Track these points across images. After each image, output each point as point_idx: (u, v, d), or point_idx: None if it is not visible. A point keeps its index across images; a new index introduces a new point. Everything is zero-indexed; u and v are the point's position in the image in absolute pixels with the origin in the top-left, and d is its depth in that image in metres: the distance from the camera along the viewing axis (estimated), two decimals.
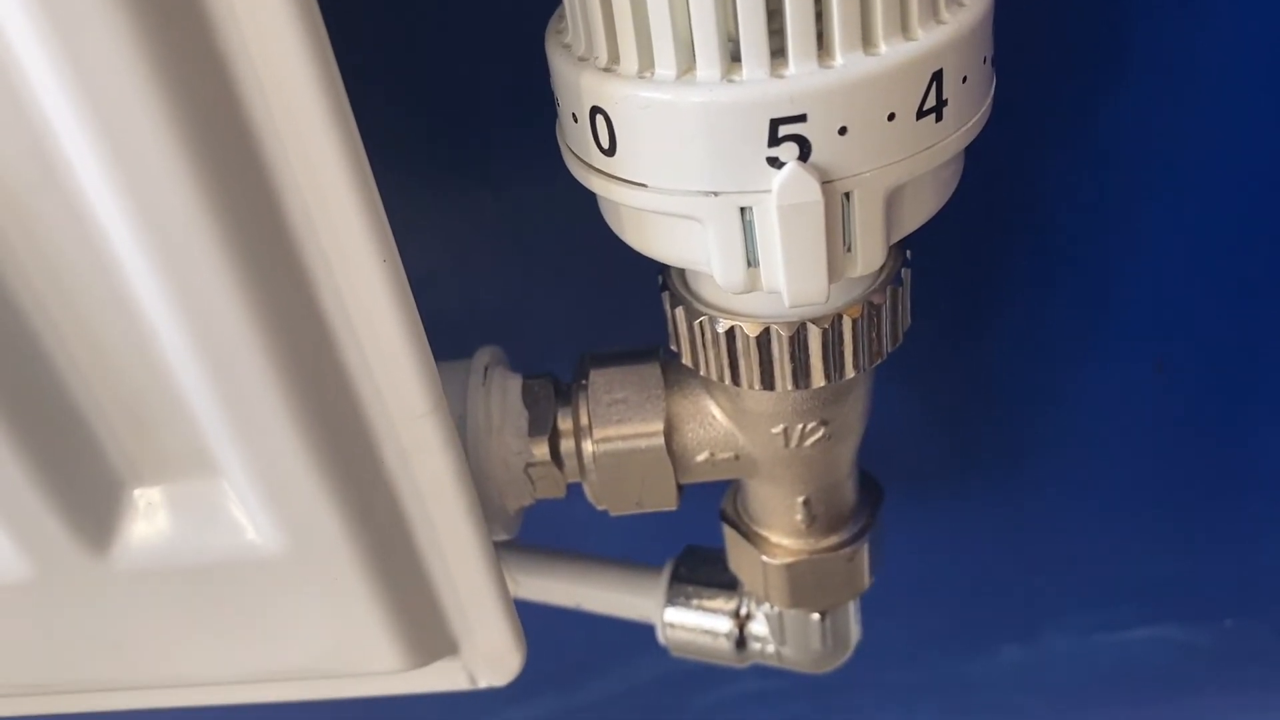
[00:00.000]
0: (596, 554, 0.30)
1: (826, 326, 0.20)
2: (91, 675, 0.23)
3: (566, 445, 0.24)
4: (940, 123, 0.17)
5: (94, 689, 0.24)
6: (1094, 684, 0.44)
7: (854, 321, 0.20)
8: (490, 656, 0.23)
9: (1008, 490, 0.38)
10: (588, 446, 0.23)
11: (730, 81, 0.16)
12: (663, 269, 0.22)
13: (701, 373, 0.22)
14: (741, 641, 0.28)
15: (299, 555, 0.20)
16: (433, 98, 0.29)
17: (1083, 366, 0.34)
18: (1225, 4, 0.25)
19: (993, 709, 0.45)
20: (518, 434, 0.24)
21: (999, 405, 0.35)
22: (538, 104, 0.22)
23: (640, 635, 0.30)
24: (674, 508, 0.24)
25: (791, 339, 0.20)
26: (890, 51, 0.16)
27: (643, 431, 0.23)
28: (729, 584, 0.28)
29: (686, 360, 0.22)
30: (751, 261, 0.18)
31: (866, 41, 0.16)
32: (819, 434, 0.22)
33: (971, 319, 0.33)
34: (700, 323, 0.21)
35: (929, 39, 0.16)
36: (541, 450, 0.24)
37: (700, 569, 0.28)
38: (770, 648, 0.28)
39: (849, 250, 0.18)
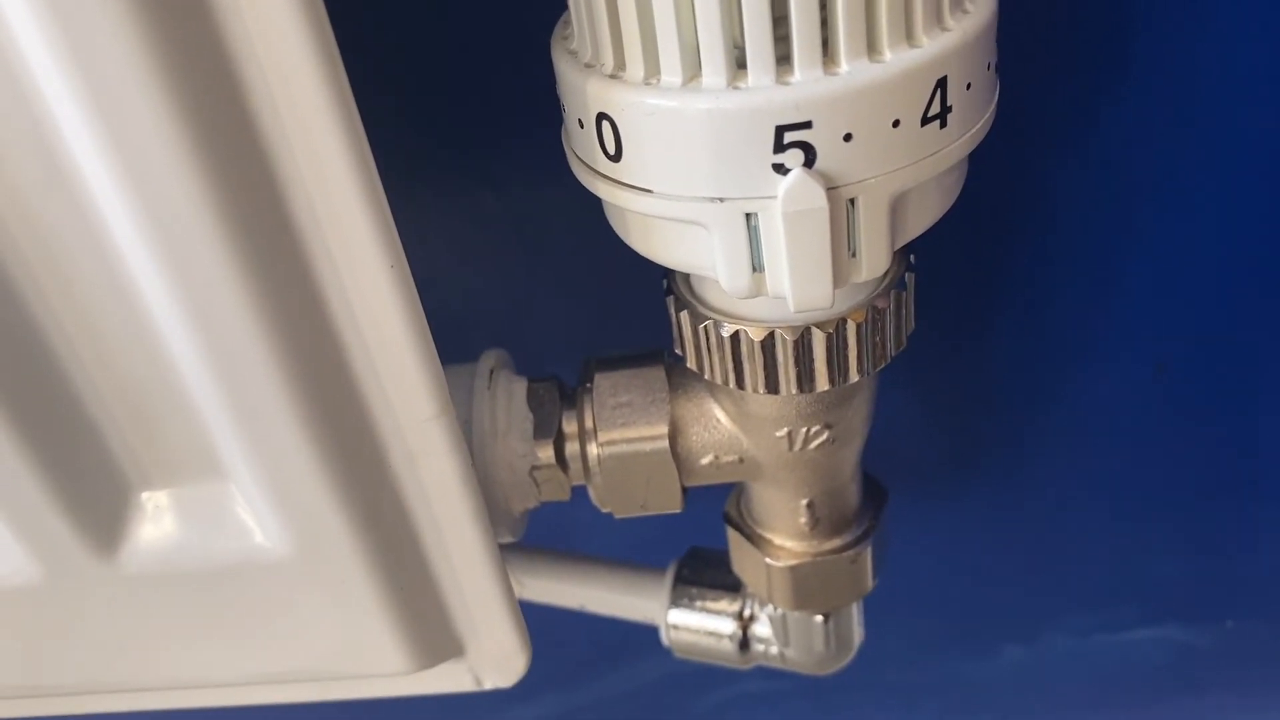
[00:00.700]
0: (600, 556, 0.31)
1: (831, 331, 0.20)
2: (99, 677, 0.23)
3: (571, 448, 0.24)
4: (944, 129, 0.17)
5: (101, 691, 0.24)
6: (1095, 685, 0.44)
7: (858, 325, 0.20)
8: (496, 658, 0.23)
9: (1009, 491, 0.38)
10: (592, 449, 0.24)
11: (736, 89, 0.16)
12: (667, 273, 0.22)
13: (706, 376, 0.22)
14: (745, 643, 0.28)
15: (306, 558, 0.20)
16: (436, 100, 0.29)
17: (1084, 368, 0.34)
18: (1227, 7, 0.26)
19: (994, 710, 0.45)
20: (523, 437, 0.24)
21: (1000, 406, 0.35)
22: (542, 106, 0.22)
23: (643, 636, 0.30)
24: (678, 510, 0.24)
25: (796, 343, 0.20)
26: (895, 59, 0.16)
27: (647, 434, 0.23)
28: (732, 586, 0.28)
29: (691, 364, 0.22)
30: (757, 267, 0.18)
31: (871, 49, 0.16)
32: (823, 437, 0.23)
33: (972, 320, 0.33)
34: (705, 327, 0.21)
35: (934, 46, 0.17)
36: (546, 453, 0.24)
37: (704, 571, 0.28)
38: (773, 649, 0.28)
39: (854, 256, 0.18)
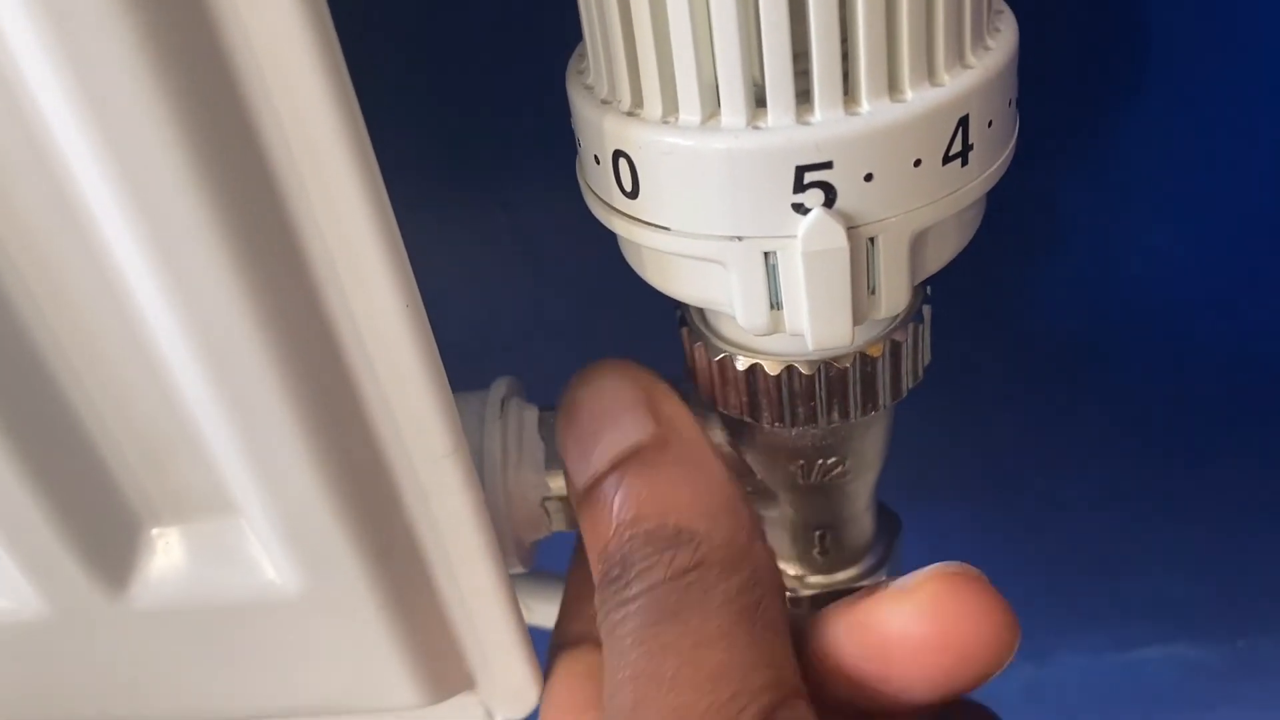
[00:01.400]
0: None
1: (848, 365, 0.20)
2: (108, 712, 0.23)
3: None
4: (966, 167, 0.17)
5: None
6: (1105, 703, 0.44)
7: (876, 360, 0.20)
8: (507, 692, 0.23)
9: (1017, 508, 0.38)
10: None
11: (755, 128, 0.16)
12: (681, 305, 0.22)
13: (720, 408, 0.22)
14: None
15: (317, 594, 0.20)
16: (447, 121, 0.29)
17: (1095, 381, 0.33)
18: (1242, 22, 0.25)
19: None
20: (534, 468, 0.24)
21: (1008, 423, 0.35)
22: (555, 126, 0.22)
23: None
24: None
25: (812, 378, 0.20)
26: (917, 98, 0.16)
27: None
28: None
29: (704, 395, 0.22)
30: (775, 304, 0.18)
31: (893, 88, 0.16)
32: (838, 469, 0.22)
33: (979, 335, 0.33)
34: (720, 360, 0.21)
35: (955, 85, 0.16)
36: (558, 484, 0.23)
37: None
38: None
39: (873, 293, 0.18)
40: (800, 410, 0.20)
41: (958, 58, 0.17)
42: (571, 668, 0.23)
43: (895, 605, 0.19)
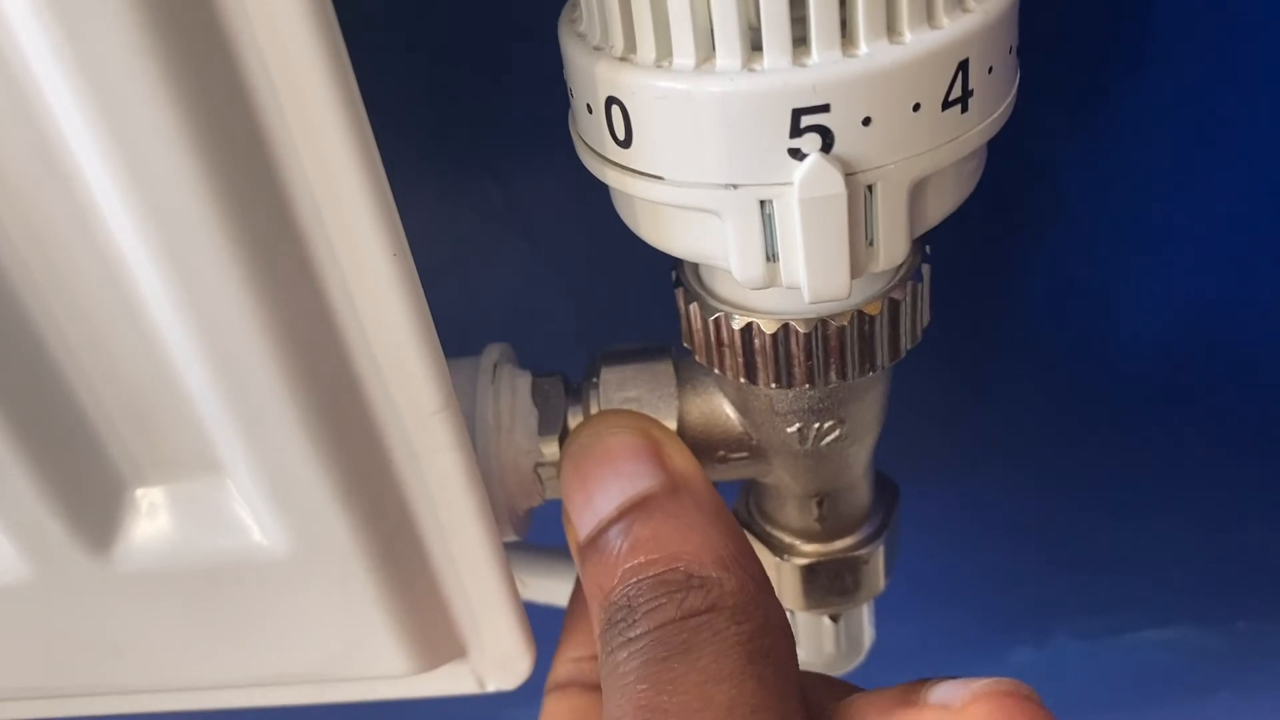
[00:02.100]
0: None
1: (846, 323, 0.20)
2: (93, 679, 0.22)
3: None
4: (965, 114, 0.17)
5: (96, 693, 0.23)
6: (1106, 686, 0.43)
7: (874, 318, 0.20)
8: (500, 660, 0.23)
9: (1019, 491, 0.38)
10: None
11: (751, 71, 0.16)
12: (676, 264, 0.22)
13: (716, 370, 0.21)
14: None
15: (305, 557, 0.20)
16: (438, 89, 0.29)
17: (1097, 366, 0.33)
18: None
19: None
20: (528, 433, 0.23)
21: (1009, 404, 0.35)
22: (546, 95, 0.22)
23: None
24: None
25: (809, 336, 0.20)
26: (915, 40, 0.16)
27: None
28: None
29: (700, 358, 0.21)
30: (771, 256, 0.18)
31: (891, 30, 0.16)
32: (835, 433, 0.22)
33: (979, 314, 0.32)
34: (715, 319, 0.20)
35: (955, 28, 0.16)
36: (552, 450, 0.23)
37: None
38: None
39: (871, 244, 0.18)
40: (797, 370, 0.20)
41: (957, 1, 0.16)
42: (558, 707, 0.23)
43: None
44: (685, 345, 0.22)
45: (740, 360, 0.20)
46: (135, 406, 0.19)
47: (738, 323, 0.20)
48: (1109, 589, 0.41)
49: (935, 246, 0.22)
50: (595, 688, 0.24)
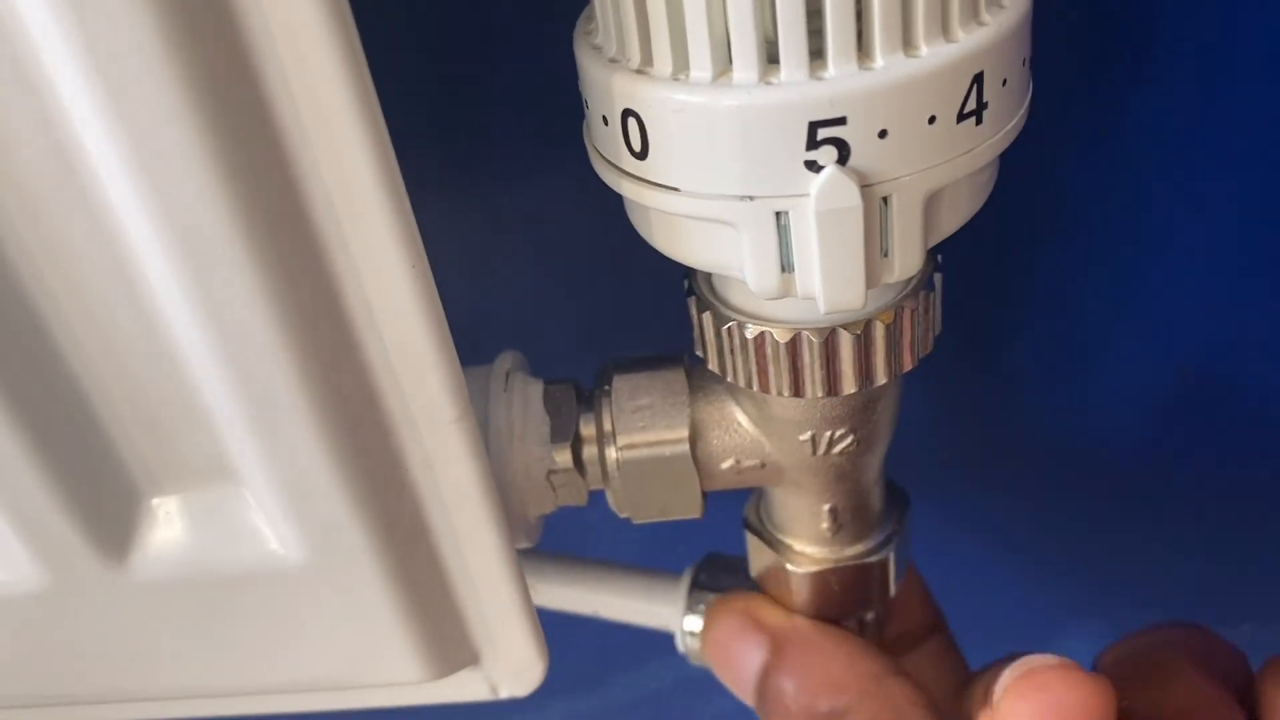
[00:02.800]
0: (614, 561, 0.30)
1: (859, 333, 0.20)
2: (109, 686, 0.22)
3: (589, 452, 0.23)
4: (980, 126, 0.17)
5: (111, 700, 0.23)
6: None
7: (886, 327, 0.20)
8: (512, 667, 0.23)
9: (1024, 495, 0.38)
10: (611, 453, 0.23)
11: (768, 84, 0.16)
12: (688, 273, 0.22)
13: (728, 379, 0.21)
14: None
15: (321, 565, 0.20)
16: (450, 97, 0.29)
17: (1105, 370, 0.33)
18: (1256, 5, 0.25)
19: None
20: (540, 441, 0.23)
21: (1017, 409, 0.35)
22: (557, 105, 0.22)
23: (653, 641, 0.30)
24: (698, 516, 0.24)
25: (823, 345, 0.20)
26: (931, 53, 0.16)
27: (667, 438, 0.23)
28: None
29: (713, 366, 0.22)
30: (786, 267, 0.18)
31: (907, 43, 0.16)
32: (847, 441, 0.22)
33: (984, 320, 0.32)
34: (729, 328, 0.20)
35: (970, 40, 0.16)
36: (564, 457, 0.23)
37: (721, 576, 0.28)
38: None
39: (886, 255, 0.18)
40: (810, 379, 0.20)
41: (972, 14, 0.16)
42: None
43: None
44: (698, 354, 0.22)
45: (753, 369, 0.21)
46: (152, 416, 0.19)
47: (751, 332, 0.20)
48: (1114, 591, 0.41)
49: (947, 248, 0.22)
50: None
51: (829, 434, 0.22)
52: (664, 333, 0.26)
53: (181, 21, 0.14)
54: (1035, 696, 0.20)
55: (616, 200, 0.20)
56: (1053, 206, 0.30)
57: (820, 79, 0.16)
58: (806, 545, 0.25)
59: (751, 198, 0.17)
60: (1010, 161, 0.21)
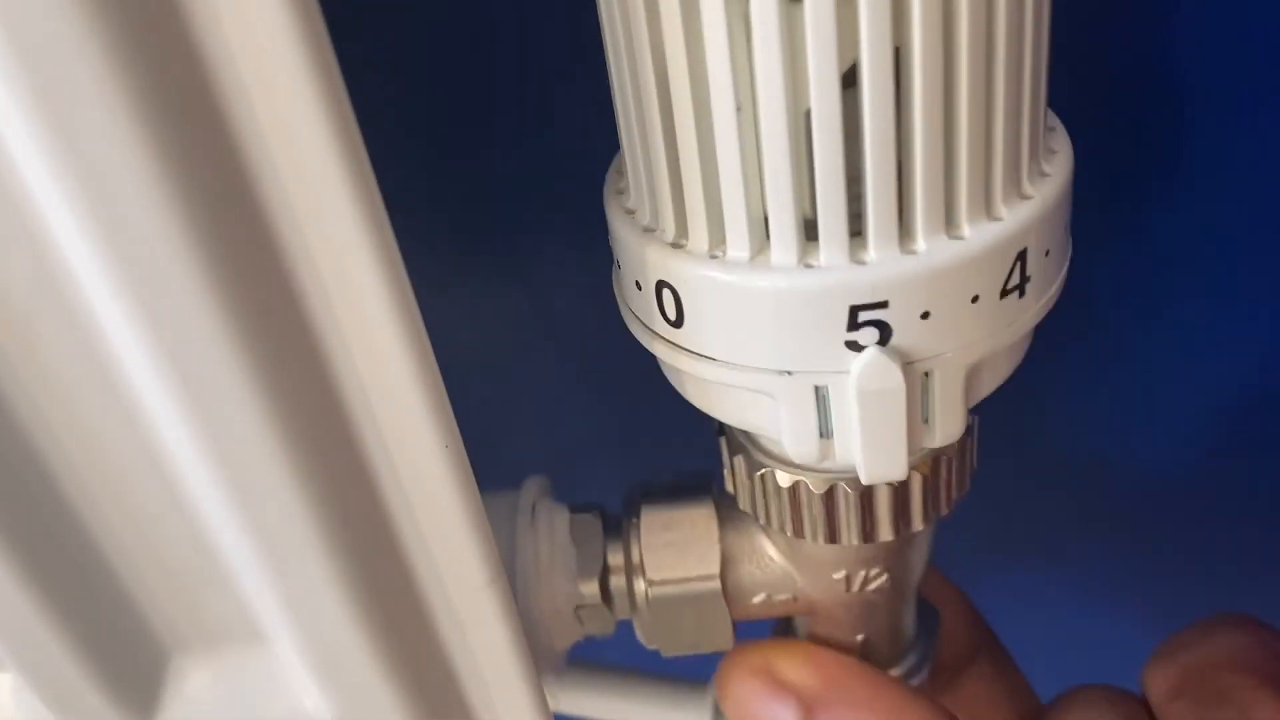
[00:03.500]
0: (637, 667, 0.30)
1: (896, 484, 0.19)
2: None
3: (617, 582, 0.23)
4: (1023, 299, 0.17)
5: None
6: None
7: (924, 478, 0.19)
8: None
9: (1028, 507, 0.37)
10: (640, 586, 0.23)
11: (808, 266, 0.16)
12: None
13: (760, 521, 0.21)
14: None
15: None
16: (465, 196, 0.29)
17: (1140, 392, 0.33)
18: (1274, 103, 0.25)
19: None
20: (567, 575, 0.23)
21: (1030, 428, 0.35)
22: (576, 203, 0.21)
23: None
24: (729, 648, 0.23)
25: (860, 497, 0.19)
26: (975, 234, 0.16)
27: (698, 574, 0.22)
28: None
29: (745, 507, 0.21)
30: (825, 434, 0.17)
31: (950, 224, 0.16)
32: (881, 579, 0.22)
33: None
34: (762, 474, 0.20)
35: (1014, 218, 0.16)
36: (592, 590, 0.23)
37: None
38: None
39: (927, 423, 0.17)
40: (845, 528, 0.20)
41: (1015, 188, 0.16)
42: None
43: None
44: (728, 491, 0.22)
45: (787, 515, 0.20)
46: (176, 579, 0.19)
47: (785, 480, 0.20)
48: (1114, 611, 0.40)
49: None
50: None
51: (863, 574, 0.22)
52: (689, 443, 0.25)
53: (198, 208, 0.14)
54: None
55: None
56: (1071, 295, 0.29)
57: (861, 264, 0.15)
58: None
59: (790, 373, 0.16)
60: None
